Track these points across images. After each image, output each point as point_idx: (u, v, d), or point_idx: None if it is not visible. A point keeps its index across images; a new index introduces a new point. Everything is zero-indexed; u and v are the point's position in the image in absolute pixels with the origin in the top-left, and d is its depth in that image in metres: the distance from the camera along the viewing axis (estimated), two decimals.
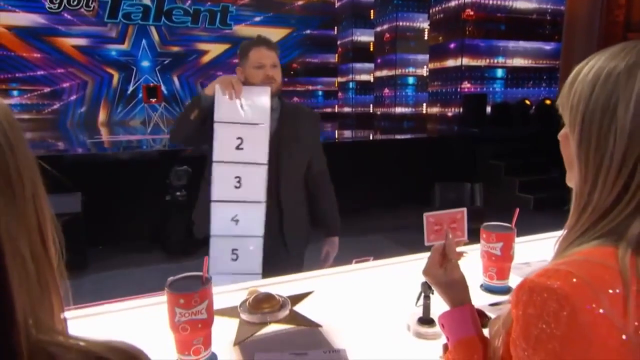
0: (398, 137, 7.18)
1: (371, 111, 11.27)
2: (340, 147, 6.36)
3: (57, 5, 9.83)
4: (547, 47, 8.13)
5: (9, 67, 9.82)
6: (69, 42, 10.30)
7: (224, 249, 1.59)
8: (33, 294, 0.37)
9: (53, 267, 0.40)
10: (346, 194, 5.05)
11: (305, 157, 1.76)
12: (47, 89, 10.29)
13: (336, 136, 9.42)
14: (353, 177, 5.02)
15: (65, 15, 10.01)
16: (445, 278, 0.77)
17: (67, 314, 1.08)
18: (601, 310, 0.46)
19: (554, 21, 7.97)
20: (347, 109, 12.06)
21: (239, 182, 1.55)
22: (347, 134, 9.40)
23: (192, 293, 0.82)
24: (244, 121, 1.55)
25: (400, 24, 9.22)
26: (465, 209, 0.90)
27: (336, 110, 12.41)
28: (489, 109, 7.38)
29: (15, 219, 0.36)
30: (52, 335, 0.38)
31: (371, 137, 8.01)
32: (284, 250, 1.73)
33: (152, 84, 8.61)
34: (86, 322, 1.06)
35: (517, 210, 1.11)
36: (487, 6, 7.61)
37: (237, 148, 1.54)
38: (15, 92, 10.08)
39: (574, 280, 0.48)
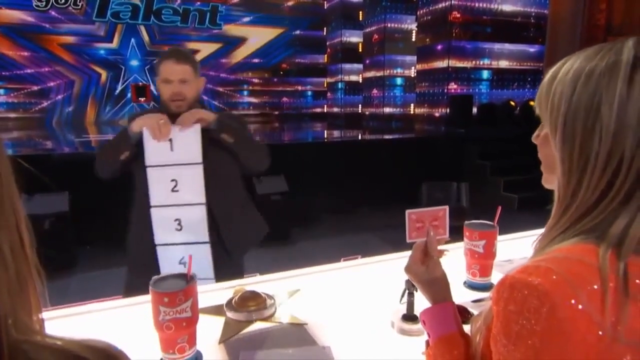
0: (387, 137, 7.21)
1: (360, 111, 11.30)
2: (330, 147, 6.37)
3: (44, 3, 9.67)
4: (531, 49, 8.23)
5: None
6: (57, 41, 10.14)
7: None
8: (13, 293, 0.36)
9: (30, 267, 0.40)
10: (336, 193, 5.07)
11: (234, 161, 1.60)
12: (34, 88, 10.12)
13: (325, 136, 9.44)
14: (342, 176, 5.03)
15: (53, 13, 9.86)
16: (426, 275, 0.77)
17: (53, 313, 1.06)
18: (580, 306, 0.47)
19: (537, 24, 8.08)
20: (336, 109, 12.08)
21: (179, 224, 1.48)
22: (336, 134, 9.43)
23: (177, 291, 0.81)
24: (176, 162, 1.46)
25: (389, 25, 9.26)
26: (447, 207, 0.90)
27: (325, 111, 12.43)
28: (475, 110, 7.45)
29: None
30: (30, 335, 0.37)
31: (360, 137, 8.04)
32: (226, 256, 1.61)
33: (141, 83, 8.53)
34: (72, 322, 1.04)
35: (500, 208, 1.12)
36: (474, 9, 7.68)
37: (173, 190, 1.47)
38: (1, 91, 9.89)
39: (554, 277, 0.49)
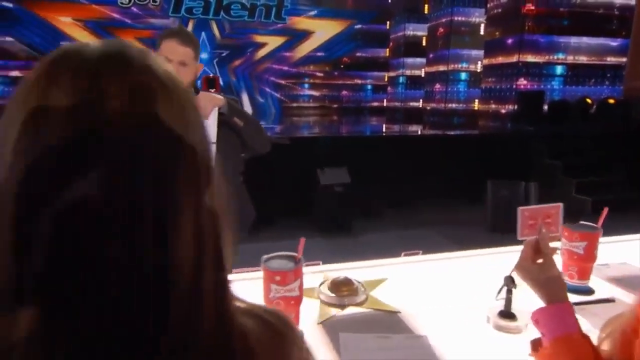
0: (451, 132, 6.99)
1: (420, 106, 11.03)
2: (393, 141, 6.29)
3: (127, 0, 10.33)
4: (613, 43, 7.58)
5: None
6: (135, 34, 10.81)
7: None
8: None
9: None
10: (396, 187, 5.01)
11: (238, 144, 1.59)
12: None
13: (383, 130, 9.32)
14: (404, 170, 4.96)
15: (134, 9, 10.51)
16: (541, 274, 0.75)
17: None
18: None
19: (622, 16, 7.42)
20: (396, 104, 11.87)
21: None
22: (396, 128, 9.28)
23: (288, 271, 0.85)
24: None
25: (456, 18, 8.92)
26: (560, 204, 0.87)
27: (385, 105, 12.25)
28: (545, 107, 7.00)
29: None
30: None
31: (419, 132, 7.86)
32: None
33: (211, 75, 8.87)
34: None
35: (606, 209, 1.06)
36: (549, 1, 7.19)
37: None
38: None
39: None
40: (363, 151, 5.06)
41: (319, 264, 1.65)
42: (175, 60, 1.42)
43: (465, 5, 8.76)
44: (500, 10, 7.82)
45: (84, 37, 10.37)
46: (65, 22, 10.30)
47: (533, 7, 7.13)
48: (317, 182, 4.58)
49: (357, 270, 1.29)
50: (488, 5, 8.20)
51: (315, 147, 5.13)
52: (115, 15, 10.46)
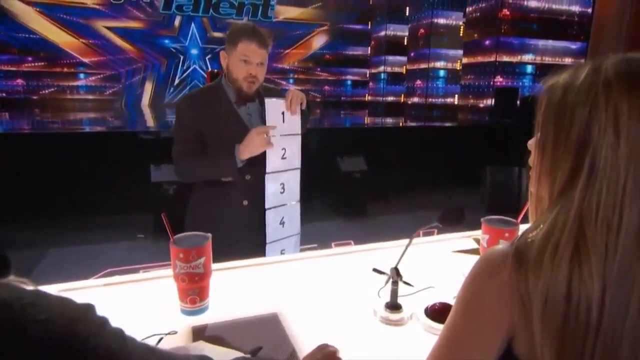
0: (432, 124, 7.33)
1: (402, 101, 11.39)
2: (405, 131, 6.50)
3: None
4: (573, 46, 8.22)
5: (77, 53, 10.09)
6: (126, 29, 10.49)
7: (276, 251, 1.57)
8: None
9: None
10: (406, 174, 5.26)
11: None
12: (108, 73, 10.53)
13: (365, 122, 9.58)
14: (412, 158, 5.24)
15: (126, 6, 10.18)
16: None
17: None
18: None
19: (580, 22, 8.05)
20: (378, 98, 12.16)
21: (282, 187, 1.53)
22: (377, 121, 9.56)
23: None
24: (286, 133, 1.48)
25: (435, 20, 9.31)
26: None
27: (367, 99, 12.52)
28: (518, 102, 7.52)
29: None
30: None
31: (400, 124, 8.16)
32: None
33: (216, 70, 8.79)
34: None
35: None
36: (522, 7, 7.69)
37: (282, 157, 1.51)
38: (82, 75, 10.35)
39: None
40: (380, 141, 5.28)
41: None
42: (254, 62, 1.40)
43: (444, 8, 9.15)
44: (478, 14, 8.26)
45: (81, 33, 9.94)
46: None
47: (508, 12, 7.60)
48: (339, 168, 4.79)
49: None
50: (467, 10, 8.63)
51: (333, 137, 5.32)
52: (107, 12, 10.10)
